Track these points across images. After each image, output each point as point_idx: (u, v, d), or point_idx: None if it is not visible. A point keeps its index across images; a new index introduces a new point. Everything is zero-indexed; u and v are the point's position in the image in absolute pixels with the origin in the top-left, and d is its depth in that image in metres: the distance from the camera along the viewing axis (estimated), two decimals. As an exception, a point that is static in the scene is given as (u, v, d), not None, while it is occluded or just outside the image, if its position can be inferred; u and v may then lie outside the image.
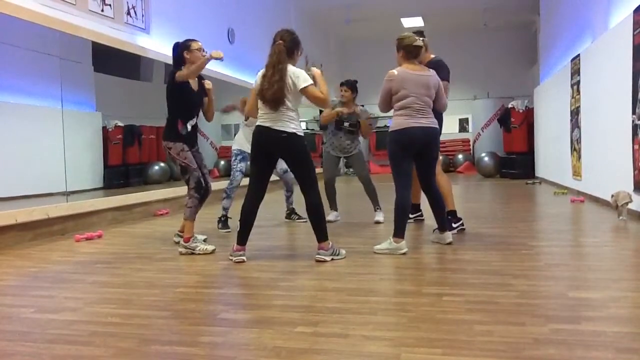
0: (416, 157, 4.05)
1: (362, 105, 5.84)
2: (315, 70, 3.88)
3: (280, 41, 3.71)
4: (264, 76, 3.70)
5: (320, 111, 14.37)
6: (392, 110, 4.09)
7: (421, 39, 4.09)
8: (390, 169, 4.07)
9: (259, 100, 3.76)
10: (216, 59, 4.06)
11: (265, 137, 3.74)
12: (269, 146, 3.77)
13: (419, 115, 3.97)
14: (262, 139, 3.76)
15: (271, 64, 3.68)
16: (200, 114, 4.45)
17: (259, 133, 3.76)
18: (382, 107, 4.15)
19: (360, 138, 5.77)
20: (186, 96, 4.19)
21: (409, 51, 4.01)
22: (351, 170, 14.68)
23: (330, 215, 5.64)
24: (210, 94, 4.44)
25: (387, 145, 4.09)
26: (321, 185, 3.89)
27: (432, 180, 4.20)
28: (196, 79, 4.29)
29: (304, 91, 3.69)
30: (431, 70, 4.13)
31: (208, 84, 4.43)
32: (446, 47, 12.14)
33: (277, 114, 3.69)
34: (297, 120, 3.76)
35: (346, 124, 5.60)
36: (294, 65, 3.77)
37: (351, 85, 5.65)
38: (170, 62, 4.37)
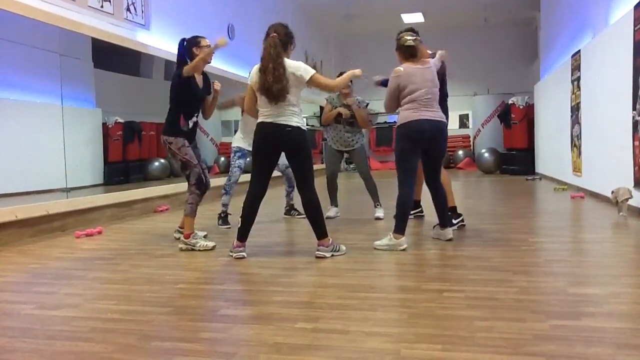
0: (423, 152, 4.05)
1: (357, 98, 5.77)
2: (358, 72, 3.88)
3: (275, 34, 3.68)
4: (264, 70, 3.63)
5: (321, 107, 14.41)
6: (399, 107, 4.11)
7: (413, 38, 4.06)
8: (396, 164, 4.06)
9: (260, 96, 3.72)
10: (221, 46, 4.04)
11: (268, 132, 3.71)
12: (272, 142, 3.74)
13: (425, 108, 3.97)
14: (265, 134, 3.73)
15: (269, 58, 3.61)
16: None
17: (262, 129, 3.73)
18: (390, 106, 4.15)
19: (364, 131, 5.74)
20: (191, 92, 4.17)
21: (403, 52, 4.07)
22: (351, 166, 14.69)
23: (331, 212, 5.64)
24: (217, 95, 4.44)
25: (395, 142, 4.09)
26: (323, 181, 3.88)
27: (438, 176, 4.20)
28: (201, 75, 4.28)
29: (311, 81, 3.66)
30: (429, 61, 4.15)
31: (217, 85, 4.42)
32: (446, 43, 12.09)
33: (280, 109, 3.66)
34: (300, 115, 3.75)
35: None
36: (288, 58, 3.73)
37: None
38: (171, 57, 4.35)
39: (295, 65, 3.67)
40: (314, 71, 3.70)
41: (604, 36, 6.59)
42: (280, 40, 3.66)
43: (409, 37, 4.04)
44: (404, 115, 3.99)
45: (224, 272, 3.50)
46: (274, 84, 3.58)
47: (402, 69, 4.02)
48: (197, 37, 4.25)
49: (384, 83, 5.08)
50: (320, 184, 3.95)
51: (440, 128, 4.05)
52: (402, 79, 3.99)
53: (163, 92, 4.29)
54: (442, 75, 4.51)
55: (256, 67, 3.74)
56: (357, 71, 3.88)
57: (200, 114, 4.46)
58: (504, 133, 12.85)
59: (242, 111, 5.47)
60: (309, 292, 2.96)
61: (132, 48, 6.62)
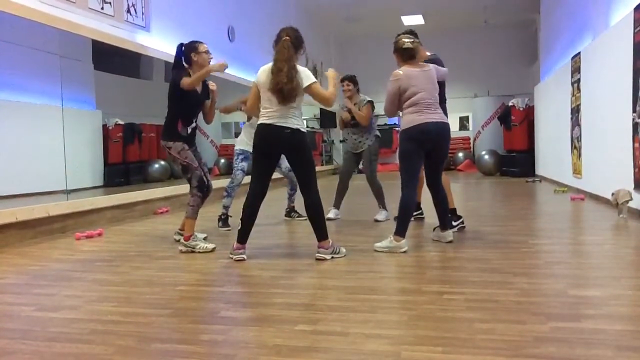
0: (426, 153, 4.04)
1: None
2: (331, 72, 3.88)
3: (287, 37, 3.70)
4: (278, 71, 3.63)
5: (321, 110, 14.42)
6: (401, 112, 4.10)
7: (410, 40, 4.08)
8: (400, 167, 4.06)
9: (268, 95, 3.70)
10: (219, 69, 4.10)
11: (268, 134, 3.72)
12: (272, 143, 3.75)
13: (429, 111, 3.98)
14: (265, 136, 3.74)
15: (283, 59, 3.63)
16: (200, 114, 4.44)
17: (262, 131, 3.74)
18: (390, 110, 4.14)
19: (376, 134, 5.69)
20: (189, 98, 4.17)
21: (401, 54, 4.08)
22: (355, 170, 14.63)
23: (330, 213, 5.63)
24: (214, 97, 4.43)
25: (400, 144, 4.08)
26: (323, 182, 3.88)
27: (439, 178, 4.21)
28: None
29: (308, 89, 3.70)
30: (429, 64, 4.16)
31: (213, 85, 4.41)
32: (446, 45, 12.15)
33: (283, 111, 3.68)
34: (300, 117, 3.76)
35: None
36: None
37: (354, 79, 5.68)
38: (171, 59, 4.35)
39: (301, 70, 3.71)
40: (314, 80, 3.73)
41: (604, 38, 6.59)
42: (292, 44, 3.68)
43: (406, 40, 4.06)
44: (410, 118, 3.99)
45: (224, 274, 3.50)
46: (288, 85, 3.60)
47: (401, 72, 4.02)
48: (195, 42, 4.25)
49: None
50: (321, 186, 3.94)
51: (444, 130, 4.06)
52: (402, 82, 3.99)
53: (163, 94, 4.29)
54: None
55: (265, 66, 3.76)
56: (332, 72, 3.88)
57: (201, 118, 4.46)
58: (504, 135, 12.86)
59: (249, 117, 5.46)
60: (309, 294, 2.96)
61: (132, 50, 6.63)
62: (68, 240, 4.86)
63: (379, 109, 5.35)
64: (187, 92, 4.12)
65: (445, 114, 4.43)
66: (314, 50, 13.25)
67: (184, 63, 4.20)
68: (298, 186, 3.94)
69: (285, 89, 3.61)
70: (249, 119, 5.43)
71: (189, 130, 4.27)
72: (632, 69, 5.39)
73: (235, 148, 5.50)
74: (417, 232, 4.82)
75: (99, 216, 5.80)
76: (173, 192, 7.09)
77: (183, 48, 4.23)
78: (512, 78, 15.23)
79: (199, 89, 4.25)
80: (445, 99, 4.65)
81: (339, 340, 2.18)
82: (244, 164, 5.39)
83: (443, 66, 4.57)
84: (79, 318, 2.57)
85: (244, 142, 5.41)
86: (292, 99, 3.65)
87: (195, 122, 4.33)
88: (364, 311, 2.55)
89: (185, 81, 4.05)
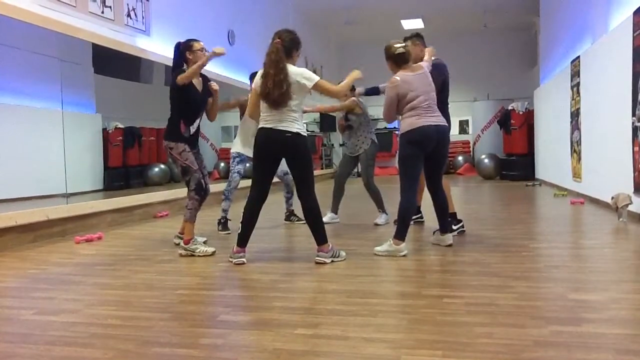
0: (427, 156, 4.04)
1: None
2: (356, 73, 3.90)
3: (278, 40, 3.69)
4: (265, 76, 3.64)
5: (321, 113, 14.41)
6: (400, 116, 4.10)
7: (404, 44, 4.07)
8: (400, 171, 4.06)
9: (261, 102, 3.74)
10: (218, 55, 4.06)
11: (268, 138, 3.72)
12: (273, 147, 3.75)
13: (428, 114, 3.98)
14: (265, 140, 3.74)
15: (271, 63, 3.63)
16: (203, 114, 4.44)
17: (262, 135, 3.74)
18: (388, 116, 4.13)
19: (372, 139, 5.67)
20: (190, 98, 4.18)
21: (396, 60, 4.06)
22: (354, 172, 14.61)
23: (326, 217, 5.55)
24: (217, 95, 4.44)
25: (400, 148, 4.07)
26: (322, 187, 3.87)
27: (439, 181, 4.21)
28: (201, 79, 4.29)
29: (316, 87, 3.69)
30: (422, 66, 4.16)
31: (215, 85, 4.42)
32: (446, 48, 12.13)
33: (281, 115, 3.67)
34: (300, 121, 3.75)
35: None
36: (293, 65, 3.75)
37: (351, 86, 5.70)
38: (171, 63, 4.36)
39: (299, 72, 3.69)
40: (317, 78, 3.72)
41: (604, 42, 6.60)
42: (283, 46, 3.66)
43: (397, 45, 4.05)
44: (409, 122, 3.98)
45: (223, 278, 3.50)
46: (274, 90, 3.60)
47: (398, 78, 4.02)
48: (190, 40, 4.26)
49: (369, 92, 5.19)
50: (320, 190, 3.94)
51: (444, 132, 4.07)
52: (400, 88, 3.98)
53: (163, 98, 4.30)
54: (442, 81, 4.52)
55: (260, 71, 3.76)
56: (357, 73, 3.90)
57: (204, 118, 4.46)
58: (504, 138, 12.86)
59: (241, 115, 5.48)
60: (308, 298, 2.96)
61: (133, 53, 6.63)
62: (68, 244, 4.86)
63: (374, 111, 5.36)
64: (186, 92, 4.12)
65: (448, 117, 4.44)
66: (313, 54, 13.28)
67: (183, 62, 4.21)
68: (295, 190, 3.93)
69: (274, 94, 3.60)
70: (241, 115, 5.44)
71: (192, 131, 4.28)
72: (632, 72, 5.40)
73: (232, 151, 5.49)
74: (416, 235, 4.82)
75: (99, 220, 5.80)
76: (173, 195, 7.09)
77: (180, 47, 4.24)
78: (512, 82, 15.24)
79: (199, 88, 4.25)
80: (448, 103, 4.66)
81: (338, 344, 2.18)
82: (240, 167, 5.39)
83: (446, 71, 4.58)
84: (79, 322, 2.57)
85: (239, 145, 5.41)
86: (283, 104, 3.63)
87: (199, 122, 4.33)
88: (364, 315, 2.55)
89: (181, 76, 4.04)
